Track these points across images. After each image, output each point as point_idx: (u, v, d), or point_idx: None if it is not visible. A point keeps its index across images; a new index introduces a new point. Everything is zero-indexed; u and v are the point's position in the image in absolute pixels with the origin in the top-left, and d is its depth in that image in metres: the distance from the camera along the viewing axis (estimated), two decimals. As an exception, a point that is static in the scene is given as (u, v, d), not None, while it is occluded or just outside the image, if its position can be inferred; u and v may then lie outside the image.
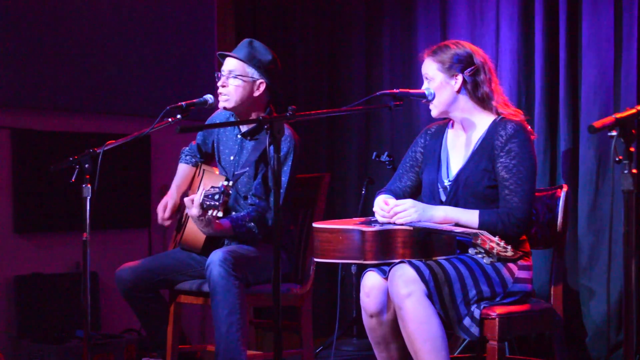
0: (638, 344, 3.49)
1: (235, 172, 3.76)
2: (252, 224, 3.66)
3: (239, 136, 3.84)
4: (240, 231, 3.65)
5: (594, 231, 4.18)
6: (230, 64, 3.75)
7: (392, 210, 3.16)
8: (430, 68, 3.28)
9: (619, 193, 2.41)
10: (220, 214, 3.33)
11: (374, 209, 3.25)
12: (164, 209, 3.86)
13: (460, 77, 3.25)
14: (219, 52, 3.85)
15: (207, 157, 4.04)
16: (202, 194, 3.32)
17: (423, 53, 3.35)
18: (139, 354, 4.57)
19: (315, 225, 3.18)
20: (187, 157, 4.06)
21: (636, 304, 2.38)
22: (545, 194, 3.50)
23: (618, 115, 2.38)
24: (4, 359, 4.51)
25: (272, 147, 2.85)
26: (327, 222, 3.19)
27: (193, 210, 3.47)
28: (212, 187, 3.33)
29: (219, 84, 3.76)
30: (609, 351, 4.15)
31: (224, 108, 3.77)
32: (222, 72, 3.76)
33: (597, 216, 4.18)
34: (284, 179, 3.71)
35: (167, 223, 3.87)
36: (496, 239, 2.94)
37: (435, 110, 3.30)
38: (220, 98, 3.76)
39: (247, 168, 3.65)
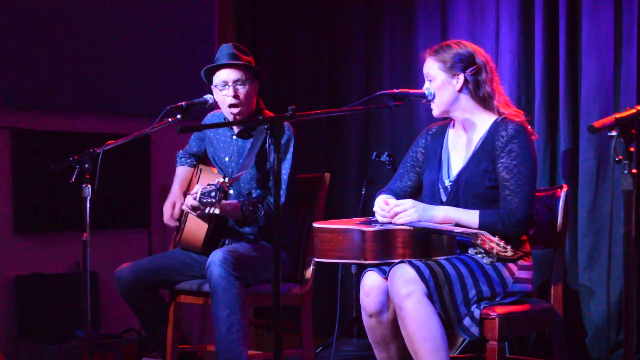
0: (638, 344, 3.49)
1: (234, 174, 3.76)
2: (259, 204, 3.68)
3: (234, 137, 3.84)
4: (248, 209, 3.66)
5: (594, 231, 4.18)
6: (234, 73, 3.72)
7: (392, 210, 3.16)
8: (432, 68, 3.28)
9: (619, 193, 2.40)
10: (217, 211, 3.34)
11: (374, 208, 3.25)
12: (172, 207, 3.84)
13: (461, 77, 3.25)
14: (210, 65, 3.77)
15: (203, 161, 4.05)
16: (200, 191, 3.33)
17: (424, 53, 3.35)
18: (139, 354, 4.57)
19: (315, 225, 3.18)
20: (183, 159, 4.06)
21: (636, 304, 2.38)
22: (545, 194, 3.50)
23: (618, 115, 2.38)
24: (4, 359, 4.51)
25: (272, 148, 2.85)
26: (328, 222, 3.19)
27: (193, 211, 3.53)
28: (209, 184, 3.34)
29: (229, 94, 3.71)
30: (609, 351, 4.15)
31: (236, 119, 3.74)
32: (227, 83, 3.72)
33: (597, 216, 4.18)
34: (287, 165, 3.71)
35: (174, 224, 3.85)
36: (496, 239, 2.94)
37: (436, 109, 3.31)
38: (232, 110, 3.72)
39: (244, 171, 3.65)
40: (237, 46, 3.78)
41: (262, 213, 3.69)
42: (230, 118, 3.76)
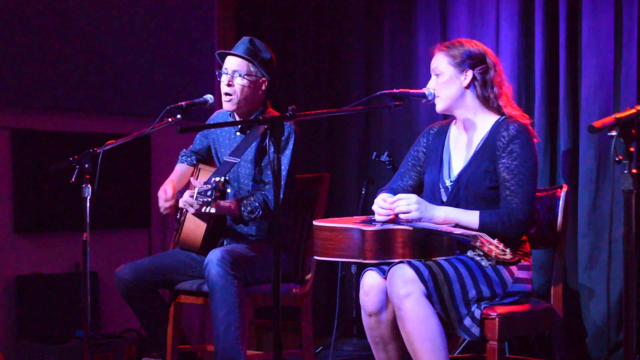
0: (638, 344, 3.49)
1: (234, 169, 3.76)
2: (257, 204, 3.68)
3: (237, 133, 3.85)
4: (246, 209, 3.66)
5: (594, 231, 4.18)
6: (235, 63, 3.73)
7: (395, 202, 3.15)
8: (441, 62, 3.27)
9: (619, 193, 2.41)
10: (213, 210, 3.34)
11: (373, 207, 3.25)
12: (165, 192, 3.82)
13: (470, 73, 3.24)
14: (219, 51, 3.84)
15: (204, 160, 4.04)
16: (196, 190, 3.33)
17: (434, 48, 3.33)
18: (139, 354, 4.57)
19: (315, 223, 3.18)
20: (184, 157, 4.06)
21: (636, 304, 2.38)
22: (545, 194, 3.49)
23: (618, 115, 2.38)
24: (4, 359, 4.51)
25: (272, 147, 2.85)
26: (328, 220, 3.18)
27: (189, 209, 3.57)
28: (205, 183, 3.35)
29: (224, 82, 3.73)
30: (609, 351, 4.15)
31: (228, 109, 3.76)
32: (226, 71, 3.75)
33: (597, 216, 4.18)
34: (285, 161, 3.70)
35: (169, 204, 3.80)
36: (495, 241, 2.92)
37: (441, 104, 3.28)
38: (224, 98, 3.73)
39: (238, 158, 3.64)
40: (254, 41, 3.77)
41: (260, 213, 3.69)
42: (224, 107, 3.76)
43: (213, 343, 3.58)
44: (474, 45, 3.28)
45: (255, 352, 3.86)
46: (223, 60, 3.80)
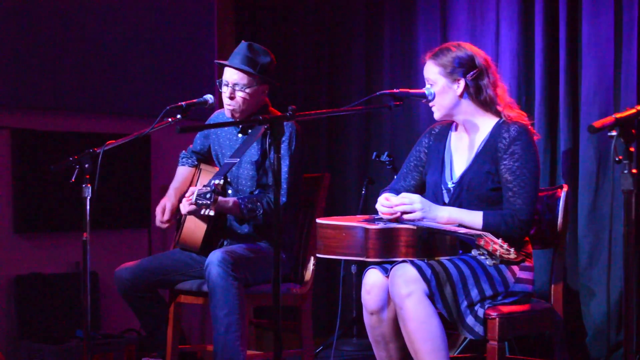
0: (638, 344, 3.49)
1: (236, 172, 3.77)
2: (259, 203, 3.68)
3: (239, 135, 3.85)
4: (247, 207, 3.66)
5: (594, 231, 4.18)
6: (235, 77, 3.70)
7: (398, 202, 3.15)
8: (432, 72, 3.26)
9: (619, 193, 2.41)
10: (212, 213, 3.35)
11: (377, 206, 3.24)
12: (162, 212, 3.83)
13: (462, 82, 3.23)
14: (218, 62, 3.83)
15: (205, 160, 4.04)
16: (196, 193, 3.34)
17: (424, 56, 3.33)
18: (139, 354, 4.57)
19: (319, 221, 3.18)
20: (184, 159, 4.05)
21: (636, 304, 2.38)
22: (545, 194, 3.50)
23: (618, 115, 2.38)
24: (4, 359, 4.51)
25: (271, 147, 2.85)
26: (331, 218, 3.18)
27: (188, 207, 3.56)
28: (204, 185, 3.35)
29: (225, 94, 3.72)
30: (609, 351, 4.15)
31: (232, 118, 3.75)
32: (226, 83, 3.73)
33: (597, 216, 4.18)
34: (287, 162, 3.70)
35: (165, 226, 3.84)
36: (499, 240, 2.93)
37: (438, 113, 3.29)
38: (227, 107, 3.73)
39: (237, 159, 3.64)
40: (252, 47, 3.74)
41: (261, 212, 3.69)
42: (228, 115, 3.77)
43: (213, 343, 3.58)
44: (462, 50, 3.26)
45: (255, 352, 3.86)
46: (223, 66, 3.79)
